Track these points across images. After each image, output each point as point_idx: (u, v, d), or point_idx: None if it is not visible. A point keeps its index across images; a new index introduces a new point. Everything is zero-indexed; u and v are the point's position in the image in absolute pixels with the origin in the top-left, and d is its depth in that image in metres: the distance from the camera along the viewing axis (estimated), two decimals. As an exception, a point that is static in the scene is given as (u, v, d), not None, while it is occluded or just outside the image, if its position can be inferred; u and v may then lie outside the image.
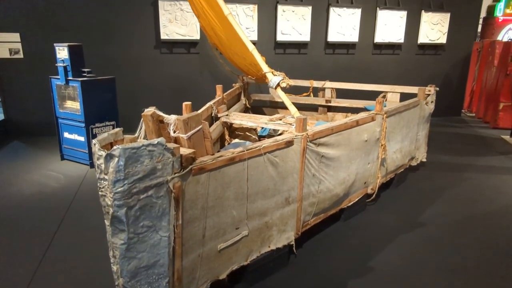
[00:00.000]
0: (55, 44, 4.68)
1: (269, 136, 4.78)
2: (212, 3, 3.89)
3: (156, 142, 1.69)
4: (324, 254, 2.99)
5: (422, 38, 7.75)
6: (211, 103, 3.87)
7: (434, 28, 7.74)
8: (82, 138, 4.77)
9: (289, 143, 2.54)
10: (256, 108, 5.69)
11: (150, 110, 2.10)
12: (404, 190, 4.31)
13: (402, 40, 7.64)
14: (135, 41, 6.30)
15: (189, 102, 3.18)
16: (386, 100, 4.98)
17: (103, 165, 1.63)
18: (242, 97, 5.34)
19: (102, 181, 1.67)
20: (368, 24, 7.41)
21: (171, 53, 6.54)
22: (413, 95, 4.53)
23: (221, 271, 2.32)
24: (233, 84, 5.43)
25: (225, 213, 2.22)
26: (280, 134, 4.68)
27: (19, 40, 5.76)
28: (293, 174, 2.64)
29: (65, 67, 4.59)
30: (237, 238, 2.34)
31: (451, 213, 3.76)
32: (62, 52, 4.58)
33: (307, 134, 2.66)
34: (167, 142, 1.80)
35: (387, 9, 7.38)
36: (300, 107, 5.50)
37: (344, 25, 7.18)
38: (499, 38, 9.76)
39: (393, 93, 4.85)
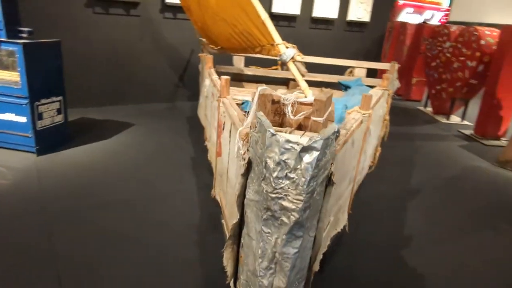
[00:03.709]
0: (-26, -9, 3.42)
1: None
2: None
3: (337, 128, 1.40)
4: (359, 227, 3.04)
5: (351, 16, 8.24)
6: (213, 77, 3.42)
7: (361, 6, 8.29)
8: (22, 119, 3.71)
9: (361, 122, 2.43)
10: (220, 81, 5.29)
11: (266, 89, 1.72)
12: (380, 160, 4.64)
13: (335, 16, 7.99)
14: (60, -5, 5.08)
15: (228, 77, 2.73)
16: (353, 75, 5.20)
17: (291, 161, 1.28)
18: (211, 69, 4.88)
19: (282, 181, 1.32)
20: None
21: (107, 13, 5.50)
22: (374, 70, 4.82)
23: (316, 263, 2.15)
24: (199, 54, 4.93)
25: (329, 201, 2.03)
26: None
27: None
28: (356, 153, 2.56)
29: (-6, 24, 3.43)
30: (326, 225, 2.19)
31: (431, 178, 4.24)
32: (-11, 3, 3.39)
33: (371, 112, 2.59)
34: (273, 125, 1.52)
35: (324, -16, 7.56)
36: (270, 81, 5.34)
37: (287, -3, 7.12)
38: (399, 19, 11.06)
39: (360, 68, 5.08)
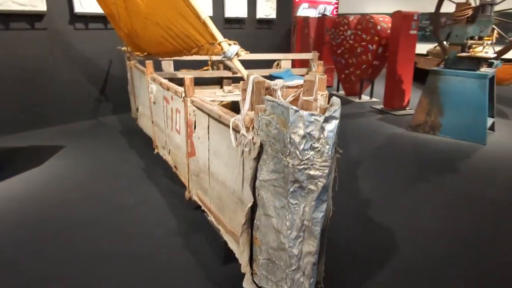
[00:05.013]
0: None
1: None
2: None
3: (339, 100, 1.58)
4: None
5: (260, 14, 8.65)
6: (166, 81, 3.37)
7: (267, 4, 8.76)
8: None
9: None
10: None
11: (257, 76, 1.82)
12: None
13: (246, 15, 8.30)
14: None
15: (192, 76, 2.72)
16: (280, 67, 5.54)
17: (315, 132, 1.41)
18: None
19: (308, 152, 1.44)
20: (218, 0, 7.68)
21: (6, 29, 4.91)
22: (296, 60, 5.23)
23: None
24: (128, 63, 4.76)
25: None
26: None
27: None
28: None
29: None
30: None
31: (365, 149, 4.77)
32: None
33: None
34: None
35: (231, -15, 7.82)
36: (203, 82, 5.36)
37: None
38: (298, 14, 11.93)
39: (286, 60, 5.44)
